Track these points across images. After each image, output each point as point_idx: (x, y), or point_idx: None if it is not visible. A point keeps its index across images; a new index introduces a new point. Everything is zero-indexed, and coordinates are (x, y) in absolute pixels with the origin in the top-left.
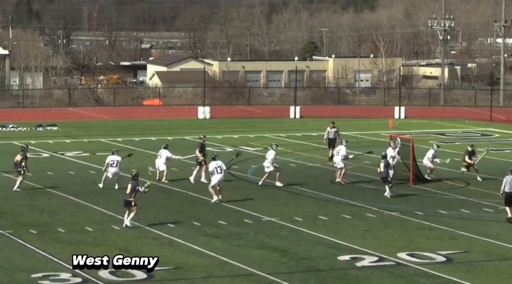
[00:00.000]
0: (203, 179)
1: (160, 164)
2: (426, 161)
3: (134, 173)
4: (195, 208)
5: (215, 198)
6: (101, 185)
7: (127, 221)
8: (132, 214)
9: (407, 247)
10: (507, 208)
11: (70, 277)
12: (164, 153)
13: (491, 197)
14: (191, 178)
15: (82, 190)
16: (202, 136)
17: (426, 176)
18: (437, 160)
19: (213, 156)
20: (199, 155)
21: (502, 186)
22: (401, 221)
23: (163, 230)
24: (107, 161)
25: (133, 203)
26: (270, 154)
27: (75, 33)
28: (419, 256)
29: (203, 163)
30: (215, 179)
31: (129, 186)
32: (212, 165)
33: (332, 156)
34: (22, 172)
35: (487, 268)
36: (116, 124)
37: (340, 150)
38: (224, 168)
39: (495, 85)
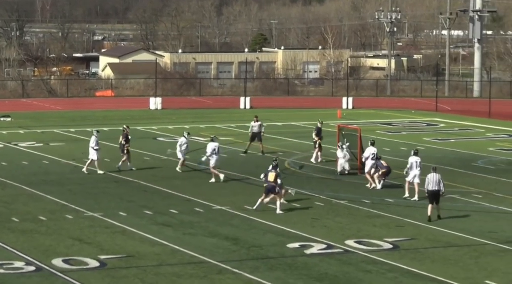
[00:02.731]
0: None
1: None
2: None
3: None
4: (147, 197)
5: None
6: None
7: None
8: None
9: (355, 235)
10: (429, 206)
11: (24, 265)
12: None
13: None
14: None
15: (35, 180)
16: (125, 126)
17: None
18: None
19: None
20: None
21: (426, 184)
22: (349, 209)
23: (115, 219)
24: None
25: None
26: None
27: (28, 25)
28: (367, 244)
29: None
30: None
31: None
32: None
33: (247, 151)
34: None
35: (433, 254)
36: (69, 115)
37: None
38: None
39: (441, 76)
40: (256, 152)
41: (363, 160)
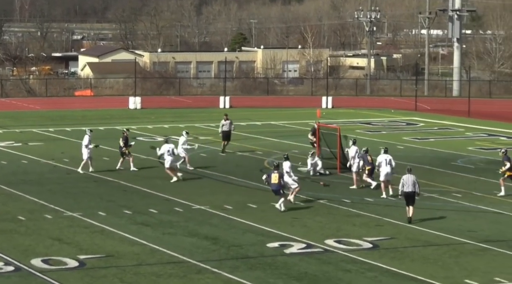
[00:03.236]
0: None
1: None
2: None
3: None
4: (126, 197)
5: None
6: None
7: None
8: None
9: (335, 234)
10: (407, 208)
11: (3, 265)
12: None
13: None
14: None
15: (14, 179)
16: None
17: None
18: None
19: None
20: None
21: (400, 186)
22: (328, 208)
23: (95, 219)
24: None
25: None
26: (181, 140)
27: (7, 24)
28: (346, 243)
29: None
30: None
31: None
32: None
33: (224, 151)
34: None
35: (412, 254)
36: (48, 115)
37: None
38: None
39: (420, 75)
40: (235, 151)
41: (349, 159)
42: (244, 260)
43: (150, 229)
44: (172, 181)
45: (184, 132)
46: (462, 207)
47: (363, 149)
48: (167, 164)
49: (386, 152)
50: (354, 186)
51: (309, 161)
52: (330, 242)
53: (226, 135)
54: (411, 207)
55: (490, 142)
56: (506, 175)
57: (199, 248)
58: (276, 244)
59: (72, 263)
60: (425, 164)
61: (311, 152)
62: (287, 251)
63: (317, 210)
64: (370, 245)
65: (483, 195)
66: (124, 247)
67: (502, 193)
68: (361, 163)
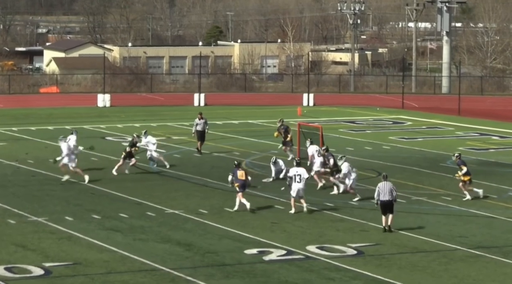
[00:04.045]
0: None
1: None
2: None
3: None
4: (94, 201)
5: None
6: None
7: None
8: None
9: (317, 240)
10: (383, 218)
11: None
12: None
13: (403, 187)
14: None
15: None
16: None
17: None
18: None
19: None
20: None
21: (376, 194)
22: (310, 212)
23: (61, 224)
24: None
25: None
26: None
27: None
28: (329, 249)
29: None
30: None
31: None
32: (292, 172)
33: (200, 151)
34: None
35: (400, 261)
36: (11, 113)
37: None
38: (306, 176)
39: (407, 71)
40: (211, 152)
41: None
42: (220, 267)
43: (120, 235)
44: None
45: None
46: (452, 211)
47: (323, 147)
48: (72, 165)
49: (298, 165)
50: (321, 184)
51: (273, 168)
52: (312, 248)
53: (201, 135)
54: (389, 216)
55: (481, 142)
56: (464, 180)
57: (172, 254)
58: (254, 251)
59: (37, 271)
60: (412, 165)
61: (273, 160)
62: (266, 258)
63: (298, 215)
64: (355, 252)
65: (474, 198)
66: (92, 254)
67: (468, 197)
68: (331, 161)
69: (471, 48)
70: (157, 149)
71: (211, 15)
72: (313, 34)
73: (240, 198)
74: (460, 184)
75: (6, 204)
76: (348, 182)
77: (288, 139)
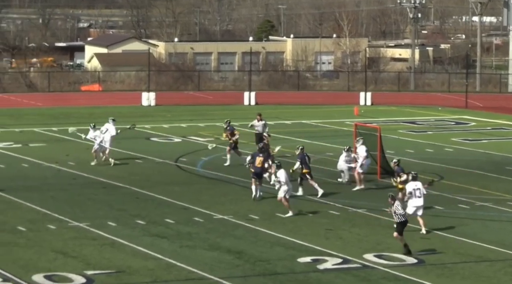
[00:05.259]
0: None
1: None
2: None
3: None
4: (139, 205)
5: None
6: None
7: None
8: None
9: (375, 248)
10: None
11: (1, 282)
12: None
13: (466, 192)
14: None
15: (13, 185)
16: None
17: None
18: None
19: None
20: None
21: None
22: (367, 219)
23: (103, 230)
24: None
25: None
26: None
27: (5, 10)
28: (388, 258)
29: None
30: (413, 203)
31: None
32: (410, 186)
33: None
34: None
35: (463, 270)
36: (51, 112)
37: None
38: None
39: (471, 68)
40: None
41: (359, 160)
42: (272, 276)
43: (166, 242)
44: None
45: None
46: None
47: (299, 147)
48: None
49: (415, 179)
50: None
51: (345, 168)
52: (369, 256)
53: (260, 138)
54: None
55: None
56: (399, 187)
57: (221, 263)
58: (308, 259)
59: (79, 279)
60: (476, 168)
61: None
62: (321, 266)
63: (355, 221)
64: (415, 260)
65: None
66: (136, 261)
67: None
68: (297, 164)
69: None
70: (101, 143)
71: (262, 8)
72: (370, 29)
73: (252, 185)
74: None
75: (46, 209)
76: (358, 166)
77: (231, 141)
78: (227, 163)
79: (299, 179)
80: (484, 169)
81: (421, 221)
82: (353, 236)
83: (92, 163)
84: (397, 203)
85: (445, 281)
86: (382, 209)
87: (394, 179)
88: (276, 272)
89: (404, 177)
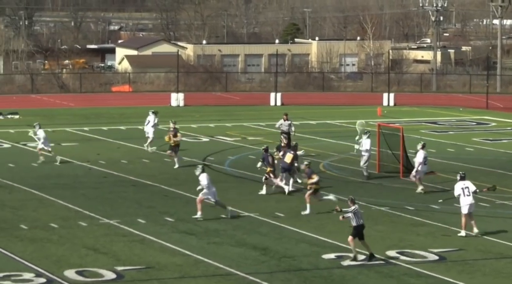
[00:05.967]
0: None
1: None
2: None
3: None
4: (168, 203)
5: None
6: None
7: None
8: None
9: (397, 245)
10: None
11: (33, 277)
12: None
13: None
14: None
15: (47, 183)
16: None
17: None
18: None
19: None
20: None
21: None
22: (390, 216)
23: (133, 227)
24: None
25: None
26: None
27: (38, 13)
28: (410, 255)
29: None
30: (464, 202)
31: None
32: (458, 186)
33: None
34: None
35: (484, 267)
36: (83, 112)
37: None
38: (473, 189)
39: (492, 70)
40: None
41: (416, 165)
42: (297, 272)
43: (194, 238)
44: None
45: (150, 112)
46: None
47: (263, 147)
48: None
49: (463, 178)
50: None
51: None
52: (392, 253)
53: (289, 136)
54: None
55: None
56: (312, 190)
57: (248, 259)
58: (332, 256)
59: (109, 275)
60: (497, 168)
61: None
62: (344, 263)
63: (378, 218)
64: (437, 257)
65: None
66: (165, 257)
67: (307, 211)
68: (259, 163)
69: None
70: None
71: (288, 11)
72: (393, 32)
73: (279, 181)
74: (308, 194)
75: (78, 206)
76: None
77: (173, 143)
78: (176, 166)
79: (263, 178)
80: (505, 169)
81: (472, 221)
82: (376, 233)
83: (39, 162)
84: (355, 207)
85: (466, 278)
86: (404, 207)
87: (306, 180)
88: (301, 268)
89: (315, 178)
